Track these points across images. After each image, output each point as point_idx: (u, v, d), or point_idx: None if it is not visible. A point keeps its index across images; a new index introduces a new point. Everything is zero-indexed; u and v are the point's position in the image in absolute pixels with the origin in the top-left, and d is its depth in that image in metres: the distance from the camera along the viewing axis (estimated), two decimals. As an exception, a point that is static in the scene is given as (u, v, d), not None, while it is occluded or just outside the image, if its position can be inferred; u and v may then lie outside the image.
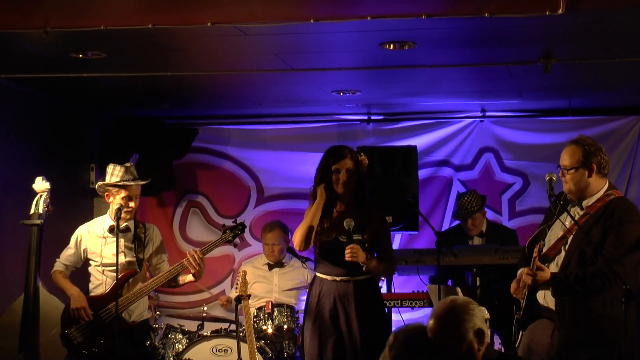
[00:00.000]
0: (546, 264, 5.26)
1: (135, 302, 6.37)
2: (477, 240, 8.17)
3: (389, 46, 6.43)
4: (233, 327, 7.44)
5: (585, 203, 5.32)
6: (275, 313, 7.66)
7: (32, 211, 6.59)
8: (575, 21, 5.80)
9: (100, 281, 6.48)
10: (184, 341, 7.59)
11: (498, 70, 7.34)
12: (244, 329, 6.96)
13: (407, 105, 9.21)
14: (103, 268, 6.46)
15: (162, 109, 9.31)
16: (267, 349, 7.38)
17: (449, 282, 7.99)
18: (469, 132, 9.49)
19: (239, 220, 9.50)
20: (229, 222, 9.63)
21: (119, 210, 6.27)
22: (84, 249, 6.54)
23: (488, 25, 5.93)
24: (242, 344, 6.88)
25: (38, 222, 6.57)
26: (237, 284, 7.40)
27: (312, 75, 7.63)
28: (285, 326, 7.62)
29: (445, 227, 9.26)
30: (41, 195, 6.60)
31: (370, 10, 5.55)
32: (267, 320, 7.63)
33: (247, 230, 9.64)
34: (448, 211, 9.49)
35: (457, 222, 8.63)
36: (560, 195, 5.42)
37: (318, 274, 5.95)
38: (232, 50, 6.71)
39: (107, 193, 6.47)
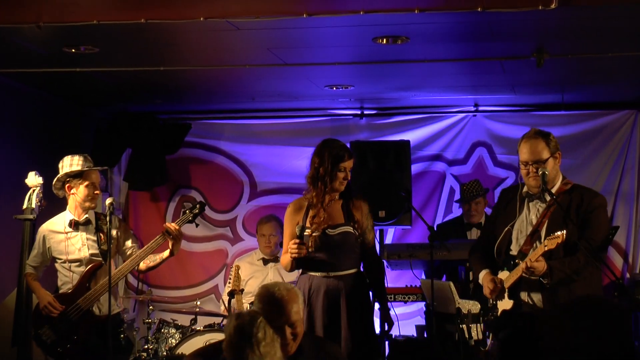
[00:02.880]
0: (518, 260, 5.29)
1: (104, 293, 6.28)
2: (475, 233, 8.20)
3: (382, 41, 6.43)
4: (226, 321, 7.44)
5: (547, 195, 5.34)
6: (269, 308, 7.65)
7: (24, 206, 6.58)
8: (568, 16, 5.80)
9: (68, 277, 6.41)
10: (177, 336, 7.59)
11: (491, 65, 7.35)
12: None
13: (400, 100, 9.21)
14: (69, 264, 6.39)
15: (155, 104, 9.30)
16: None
17: (444, 277, 8.01)
18: (462, 126, 9.49)
19: (231, 214, 9.57)
20: (222, 217, 9.78)
21: (111, 204, 6.21)
22: (48, 247, 6.46)
23: (481, 20, 5.93)
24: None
25: (31, 216, 6.57)
26: (230, 278, 7.41)
27: (305, 70, 7.63)
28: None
29: (438, 221, 9.28)
30: (34, 190, 6.59)
31: (363, 5, 5.54)
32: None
33: (240, 225, 9.73)
34: (441, 205, 9.51)
35: (456, 215, 8.66)
36: (515, 190, 5.47)
37: (305, 271, 5.92)
38: (224, 45, 6.70)
39: (68, 185, 6.41)
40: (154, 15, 5.73)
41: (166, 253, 6.38)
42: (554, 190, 5.36)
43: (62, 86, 8.35)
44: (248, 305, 7.70)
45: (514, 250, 5.40)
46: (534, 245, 5.28)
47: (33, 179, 6.58)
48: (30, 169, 6.66)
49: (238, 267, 7.13)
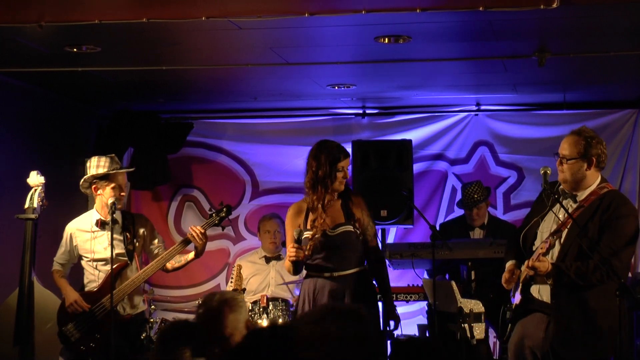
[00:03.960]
0: None
1: (129, 292, 6.37)
2: (477, 232, 8.19)
3: (384, 40, 6.43)
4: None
5: (579, 196, 5.32)
6: (270, 307, 7.65)
7: (26, 205, 6.58)
8: (569, 15, 5.80)
9: (94, 276, 6.49)
10: (179, 335, 7.59)
11: (493, 64, 7.35)
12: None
13: (402, 99, 9.21)
14: (95, 263, 6.47)
15: (157, 103, 9.30)
16: (262, 342, 7.37)
17: (447, 276, 8.00)
18: (463, 125, 9.49)
19: (233, 214, 9.56)
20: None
21: (113, 204, 6.26)
22: (75, 246, 6.55)
23: (483, 19, 5.93)
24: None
25: (33, 216, 6.57)
26: (232, 278, 7.41)
27: (307, 69, 7.63)
28: (280, 320, 7.62)
29: (440, 220, 9.28)
30: (36, 190, 6.59)
31: (365, 4, 5.54)
32: (262, 314, 7.62)
33: (242, 224, 9.73)
34: (443, 205, 9.51)
35: (458, 214, 8.65)
36: (554, 186, 5.42)
37: (309, 274, 5.91)
38: (226, 44, 6.70)
39: (94, 186, 6.46)
40: (155, 15, 5.73)
41: (191, 255, 6.50)
42: (587, 192, 5.31)
43: (64, 85, 8.36)
44: (250, 304, 7.71)
45: (536, 245, 5.38)
46: (554, 243, 5.26)
47: (35, 179, 6.58)
48: (32, 168, 6.66)
49: (240, 266, 7.12)
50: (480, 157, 9.46)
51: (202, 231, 6.36)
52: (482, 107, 9.43)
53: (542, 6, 5.35)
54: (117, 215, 6.49)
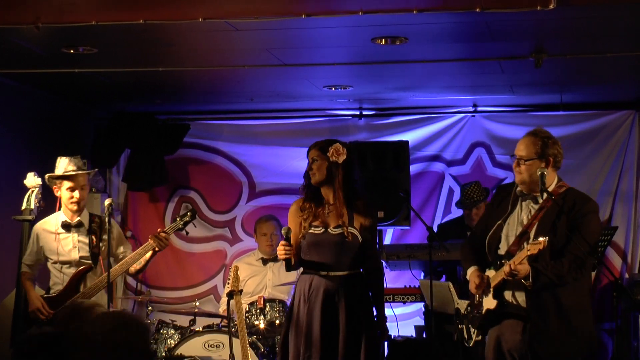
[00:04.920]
0: (504, 261, 5.27)
1: (93, 295, 6.28)
2: (474, 233, 8.20)
3: (381, 41, 6.44)
4: (225, 322, 7.44)
5: (539, 197, 5.33)
6: (267, 308, 7.66)
7: (23, 207, 6.58)
8: (566, 16, 5.81)
9: (59, 278, 6.45)
10: (176, 336, 7.59)
11: (490, 65, 7.35)
12: (236, 325, 6.95)
13: (398, 100, 9.21)
14: (60, 265, 6.43)
15: (154, 104, 9.30)
16: (259, 344, 7.37)
17: (443, 278, 8.01)
18: (460, 127, 9.49)
19: (230, 215, 9.56)
20: (221, 217, 9.78)
21: (110, 205, 6.23)
22: (40, 246, 6.50)
23: (479, 20, 5.93)
24: (234, 339, 6.88)
25: (29, 217, 6.57)
26: (229, 279, 7.40)
27: (304, 71, 7.63)
28: (277, 321, 7.61)
29: (437, 221, 9.28)
30: (33, 191, 6.59)
31: (362, 5, 5.54)
32: (259, 315, 7.63)
33: (239, 225, 9.73)
34: (440, 206, 9.51)
35: (455, 215, 8.65)
36: (511, 187, 5.45)
37: (305, 271, 5.90)
38: (223, 45, 6.70)
39: (54, 187, 6.46)
40: (152, 16, 5.73)
41: (149, 254, 6.41)
42: (545, 196, 5.33)
43: (60, 86, 8.36)
44: (247, 305, 7.71)
45: (502, 249, 5.38)
46: (522, 246, 5.25)
47: (32, 180, 6.58)
48: (29, 170, 6.65)
49: (237, 268, 7.11)
50: (477, 158, 9.47)
51: (167, 236, 6.35)
52: (479, 109, 9.43)
53: (539, 7, 5.35)
54: (84, 217, 6.47)
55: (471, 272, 5.50)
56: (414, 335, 8.36)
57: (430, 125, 9.55)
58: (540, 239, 5.01)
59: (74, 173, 6.39)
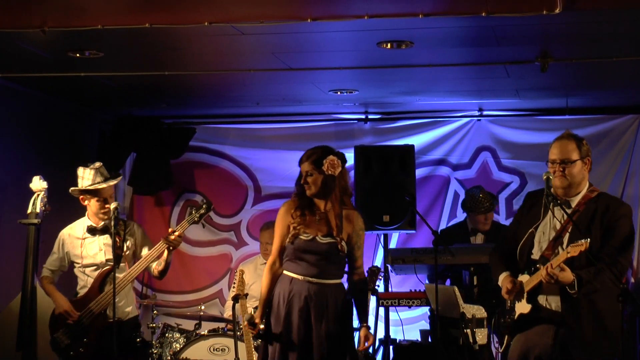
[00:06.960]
0: (539, 265, 5.25)
1: (118, 293, 6.31)
2: (479, 238, 8.19)
3: (386, 45, 6.44)
4: (230, 326, 7.44)
5: (572, 201, 5.31)
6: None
7: (29, 210, 6.58)
8: (572, 21, 5.81)
9: (84, 282, 6.49)
10: (181, 340, 7.59)
11: (495, 69, 7.35)
12: (241, 328, 6.95)
13: (404, 104, 9.21)
14: (84, 268, 6.47)
15: (160, 108, 9.31)
16: (264, 348, 7.37)
17: (448, 282, 8.00)
18: (466, 131, 9.50)
19: (235, 219, 9.56)
20: (226, 221, 9.78)
21: (116, 209, 6.24)
22: (66, 252, 6.54)
23: (485, 25, 5.93)
24: (239, 343, 6.89)
25: (35, 221, 6.57)
26: (234, 283, 7.40)
27: (310, 75, 7.63)
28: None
29: (442, 225, 9.28)
30: (38, 195, 6.59)
31: (368, 10, 5.55)
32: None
33: (244, 229, 9.74)
34: (445, 210, 9.51)
35: (461, 219, 8.63)
36: (542, 192, 5.42)
37: (288, 273, 5.85)
38: (229, 49, 6.71)
39: (81, 197, 6.49)
40: (158, 20, 5.74)
41: (165, 253, 6.40)
42: (579, 197, 5.31)
43: (66, 90, 8.37)
44: (252, 309, 7.70)
45: (536, 254, 5.34)
46: (556, 250, 5.22)
47: (37, 184, 6.59)
48: (35, 173, 6.66)
49: (242, 272, 7.11)
50: (483, 162, 9.47)
51: (177, 236, 6.34)
52: (485, 113, 9.43)
53: (544, 12, 5.36)
54: (109, 222, 6.49)
55: (503, 278, 5.46)
56: (420, 340, 8.34)
57: (436, 130, 9.56)
58: (582, 240, 4.98)
59: (105, 185, 6.43)
